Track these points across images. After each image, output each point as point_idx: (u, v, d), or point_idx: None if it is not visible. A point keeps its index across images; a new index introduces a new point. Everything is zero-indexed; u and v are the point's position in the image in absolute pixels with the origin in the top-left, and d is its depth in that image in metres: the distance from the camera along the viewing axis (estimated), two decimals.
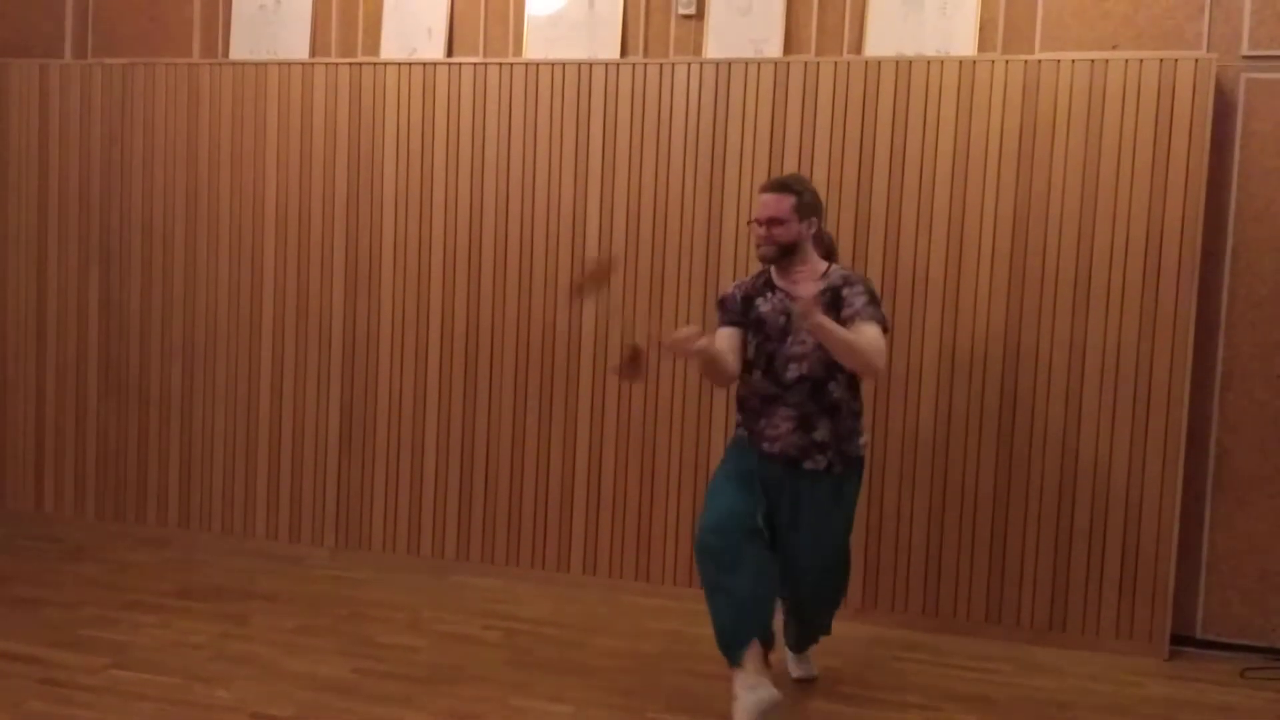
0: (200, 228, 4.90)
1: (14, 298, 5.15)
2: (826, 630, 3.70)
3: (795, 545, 3.39)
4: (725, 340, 3.41)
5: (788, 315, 3.34)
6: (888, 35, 4.26)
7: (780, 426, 3.34)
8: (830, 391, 3.33)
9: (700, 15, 4.45)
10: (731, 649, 3.21)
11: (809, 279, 3.29)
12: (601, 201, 4.43)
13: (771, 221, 3.33)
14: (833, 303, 3.29)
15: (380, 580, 4.54)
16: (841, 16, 4.34)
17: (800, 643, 3.69)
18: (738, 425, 3.50)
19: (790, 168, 4.23)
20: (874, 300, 3.33)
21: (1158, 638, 4.01)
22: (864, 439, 3.47)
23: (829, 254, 3.50)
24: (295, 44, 4.89)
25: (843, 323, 3.23)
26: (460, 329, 4.60)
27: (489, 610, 4.21)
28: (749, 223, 3.40)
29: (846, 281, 3.35)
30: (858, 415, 3.43)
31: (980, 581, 4.16)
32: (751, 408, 3.41)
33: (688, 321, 4.35)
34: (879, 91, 4.16)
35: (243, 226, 4.84)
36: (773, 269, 3.43)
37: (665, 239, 4.38)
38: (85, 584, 4.41)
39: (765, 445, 3.37)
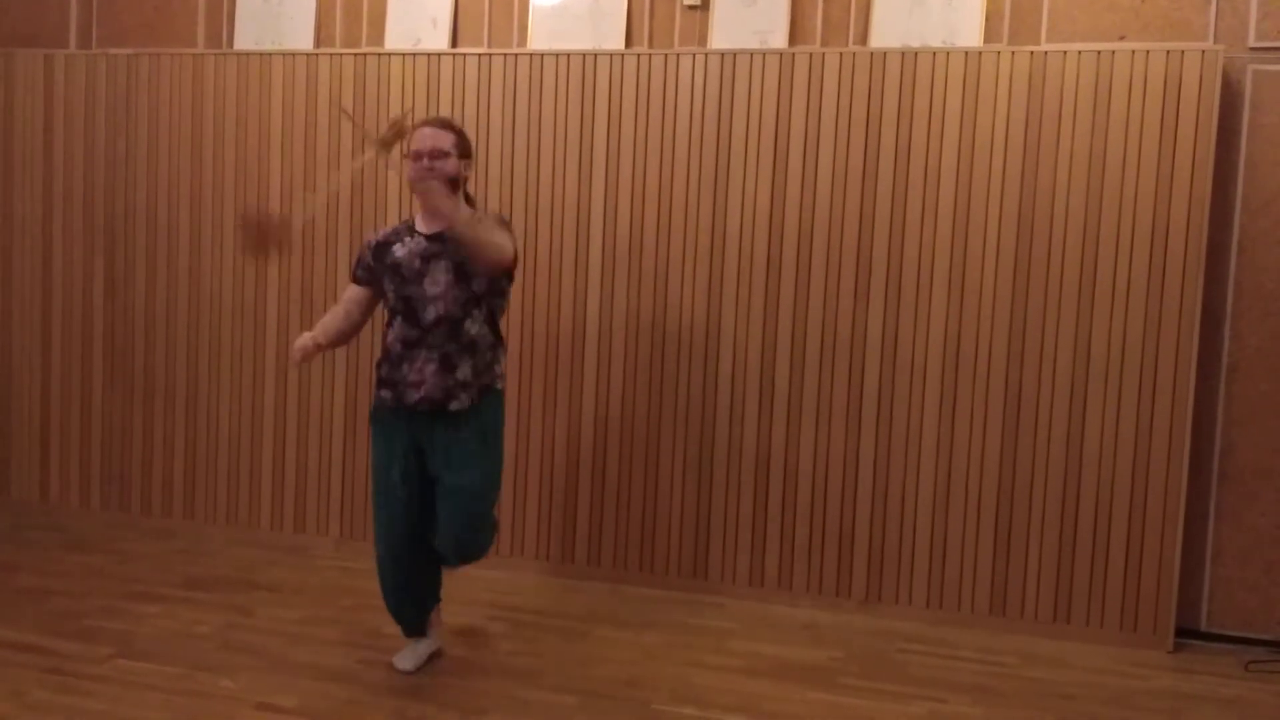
0: (205, 218, 4.90)
1: (20, 288, 5.16)
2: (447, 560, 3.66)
3: (451, 484, 3.44)
4: (351, 299, 3.58)
5: (423, 257, 3.41)
6: (893, 26, 4.25)
7: (424, 370, 3.39)
8: (468, 329, 3.41)
9: (705, 6, 4.44)
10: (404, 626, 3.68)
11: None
12: (606, 192, 4.43)
13: (434, 152, 3.37)
14: None
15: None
16: (847, 7, 4.33)
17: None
18: (379, 385, 3.49)
19: (795, 159, 4.23)
20: (504, 224, 3.44)
21: (1162, 630, 4.01)
22: (500, 369, 3.54)
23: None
24: (300, 34, 4.88)
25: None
26: None
27: (494, 601, 4.22)
28: (404, 157, 3.40)
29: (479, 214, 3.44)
30: (494, 347, 3.51)
31: (985, 573, 4.16)
32: (395, 355, 3.44)
33: (691, 315, 4.36)
34: (884, 83, 4.15)
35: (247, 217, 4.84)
36: (417, 215, 3.51)
37: (670, 229, 4.37)
38: (90, 574, 4.42)
39: (411, 393, 3.40)
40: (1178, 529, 3.98)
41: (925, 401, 4.17)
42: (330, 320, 3.57)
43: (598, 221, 4.44)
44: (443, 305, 3.38)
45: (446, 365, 3.39)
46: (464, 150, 3.46)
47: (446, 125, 3.46)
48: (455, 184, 3.40)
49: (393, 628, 3.81)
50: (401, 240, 3.48)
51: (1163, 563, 4.00)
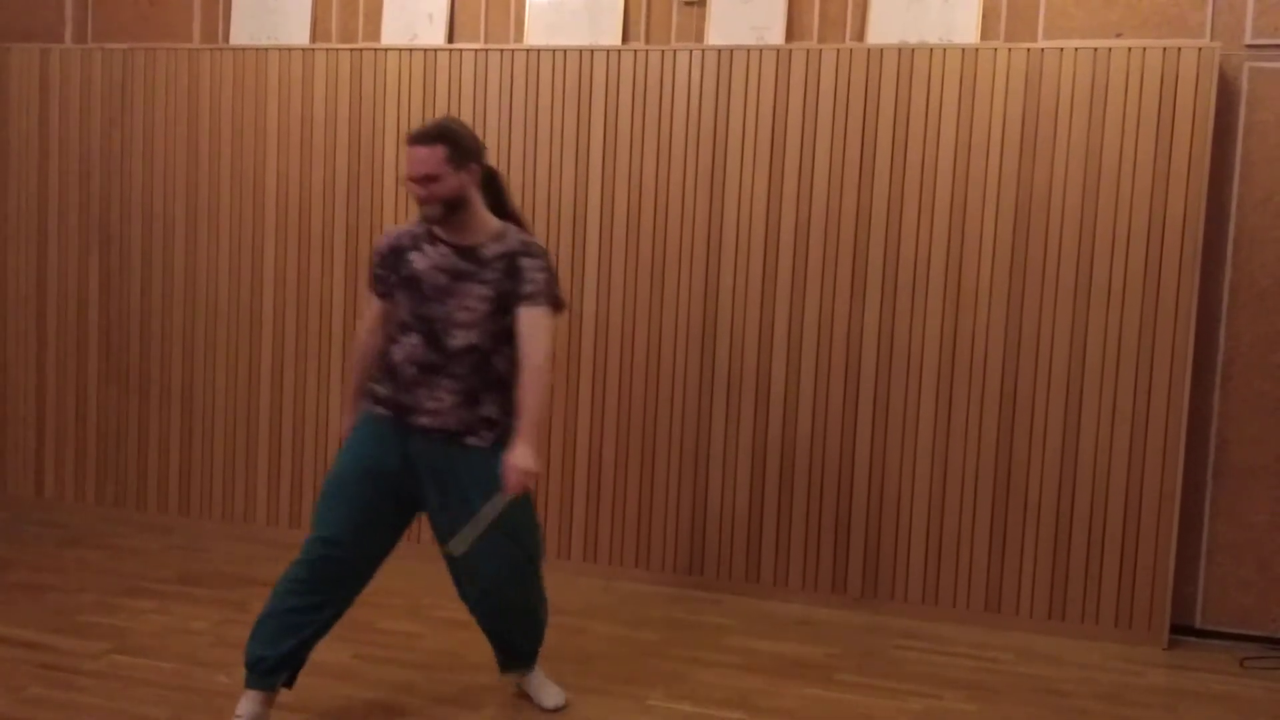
0: (200, 214, 4.89)
1: (14, 283, 5.15)
2: (528, 650, 3.34)
3: (452, 528, 3.05)
4: (374, 317, 3.21)
5: (451, 274, 3.04)
6: (890, 23, 4.25)
7: (444, 400, 3.03)
8: (496, 365, 3.07)
9: (702, 2, 4.43)
10: (256, 665, 3.09)
11: (481, 234, 3.08)
12: (603, 188, 4.42)
13: (427, 178, 2.98)
14: (508, 271, 3.05)
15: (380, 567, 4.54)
16: (844, 4, 4.33)
17: (506, 661, 3.37)
18: (376, 397, 3.13)
19: (792, 155, 4.23)
20: (552, 277, 3.10)
21: (1157, 627, 4.02)
22: None
23: (499, 202, 3.20)
24: (296, 30, 4.87)
25: (521, 299, 3.04)
26: None
27: None
28: (405, 181, 3.04)
29: (526, 250, 3.08)
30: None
31: (980, 570, 4.16)
32: (406, 377, 3.05)
33: (688, 307, 4.35)
34: (881, 79, 4.15)
35: (243, 213, 4.83)
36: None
37: (666, 226, 4.37)
38: (86, 570, 4.41)
39: (424, 419, 3.04)
40: (1173, 525, 3.99)
41: (921, 397, 4.17)
42: (357, 374, 3.22)
43: (594, 218, 4.43)
44: (475, 335, 3.03)
45: (470, 400, 3.05)
46: (462, 158, 3.01)
47: (433, 138, 2.99)
48: (459, 202, 3.04)
49: (388, 622, 3.81)
50: (419, 248, 3.09)
51: (1158, 559, 4.00)
